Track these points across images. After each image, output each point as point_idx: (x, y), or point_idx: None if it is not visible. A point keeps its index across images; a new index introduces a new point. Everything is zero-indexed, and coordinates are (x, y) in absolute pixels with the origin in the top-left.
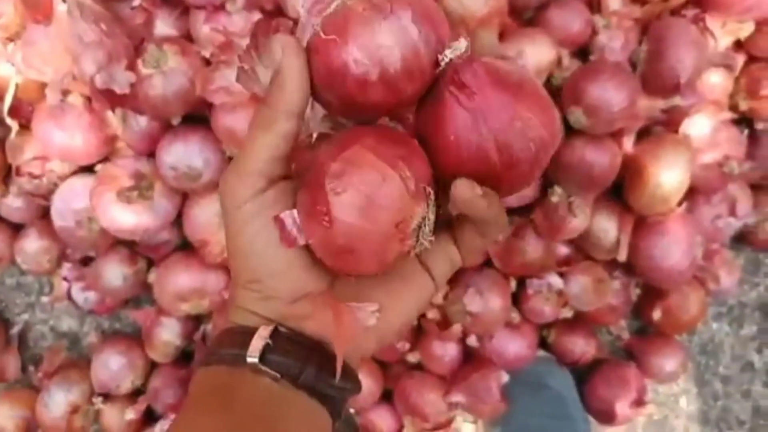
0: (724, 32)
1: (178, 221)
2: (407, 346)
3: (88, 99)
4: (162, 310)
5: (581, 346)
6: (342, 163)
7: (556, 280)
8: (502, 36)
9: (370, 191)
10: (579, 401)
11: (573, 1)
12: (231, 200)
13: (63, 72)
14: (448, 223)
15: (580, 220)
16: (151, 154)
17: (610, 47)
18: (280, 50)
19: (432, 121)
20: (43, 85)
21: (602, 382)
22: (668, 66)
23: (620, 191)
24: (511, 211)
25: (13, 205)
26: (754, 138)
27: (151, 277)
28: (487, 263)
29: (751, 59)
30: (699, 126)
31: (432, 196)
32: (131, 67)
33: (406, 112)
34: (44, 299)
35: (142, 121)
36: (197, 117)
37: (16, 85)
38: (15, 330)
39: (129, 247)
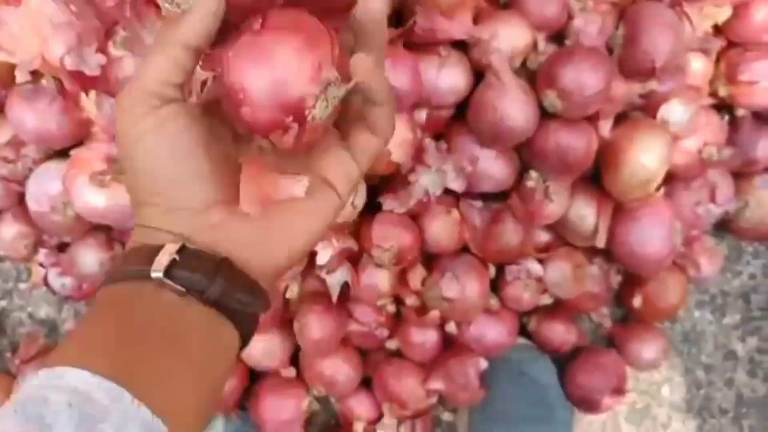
0: (702, 16)
1: None
2: (386, 332)
3: (61, 83)
4: None
5: (562, 334)
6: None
7: (535, 267)
8: (477, 19)
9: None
10: (560, 389)
11: None
12: (127, 117)
13: (32, 53)
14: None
15: (556, 205)
16: None
17: (586, 31)
18: None
19: None
20: (14, 68)
21: (582, 370)
22: (643, 50)
23: (600, 177)
24: (488, 197)
25: None
26: (734, 124)
27: None
28: (465, 249)
29: (730, 44)
30: (677, 111)
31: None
32: (102, 49)
33: None
34: (22, 286)
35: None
36: None
37: None
38: None
39: (105, 232)
